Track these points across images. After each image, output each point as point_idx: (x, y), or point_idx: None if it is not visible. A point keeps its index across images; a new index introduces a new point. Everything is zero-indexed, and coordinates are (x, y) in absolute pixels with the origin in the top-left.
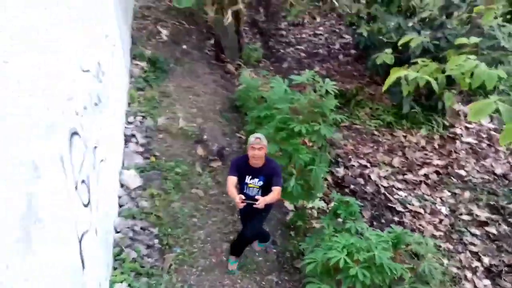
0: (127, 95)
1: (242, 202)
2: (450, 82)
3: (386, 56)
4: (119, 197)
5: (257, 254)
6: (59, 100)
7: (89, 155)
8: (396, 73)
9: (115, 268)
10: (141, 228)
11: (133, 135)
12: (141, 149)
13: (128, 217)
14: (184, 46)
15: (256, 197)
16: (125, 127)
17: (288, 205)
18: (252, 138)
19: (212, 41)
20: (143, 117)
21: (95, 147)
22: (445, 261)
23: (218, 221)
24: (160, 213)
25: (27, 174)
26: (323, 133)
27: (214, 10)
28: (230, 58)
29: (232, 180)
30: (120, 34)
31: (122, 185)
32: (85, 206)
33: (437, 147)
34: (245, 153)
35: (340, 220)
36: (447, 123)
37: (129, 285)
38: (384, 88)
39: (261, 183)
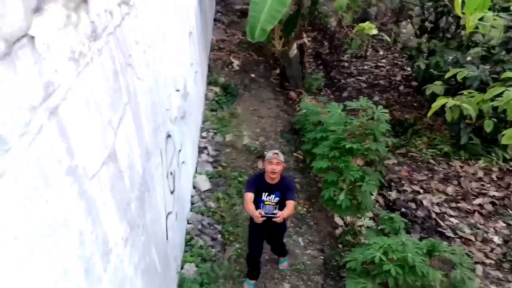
0: (202, 114)
1: (262, 216)
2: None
3: (435, 87)
4: (192, 196)
5: (305, 257)
6: (163, 110)
7: (175, 155)
8: (440, 101)
9: (185, 251)
10: (208, 224)
11: (205, 147)
12: (211, 159)
13: (198, 213)
14: (253, 75)
15: (275, 211)
16: (200, 140)
17: (339, 220)
18: (270, 154)
19: (277, 71)
20: (214, 133)
21: (180, 150)
22: (493, 287)
23: None
24: (224, 213)
25: (144, 156)
26: (374, 148)
27: (281, 44)
28: (293, 86)
29: (250, 196)
30: (201, 63)
31: (194, 187)
32: (171, 193)
33: (495, 179)
34: (262, 171)
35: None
36: (507, 156)
37: (196, 265)
38: (429, 114)
39: (277, 199)
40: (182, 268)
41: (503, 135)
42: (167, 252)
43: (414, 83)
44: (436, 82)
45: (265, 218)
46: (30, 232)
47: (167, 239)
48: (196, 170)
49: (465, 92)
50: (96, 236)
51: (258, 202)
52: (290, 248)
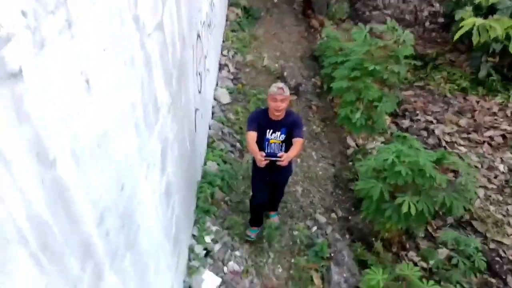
0: (223, 33)
1: (265, 159)
2: None
3: (465, 13)
4: (213, 107)
5: (317, 168)
6: (196, 9)
7: (202, 58)
8: (469, 20)
9: (207, 153)
10: (228, 132)
11: (226, 65)
12: (231, 76)
13: (219, 122)
14: (275, 0)
15: (279, 154)
16: (221, 57)
17: (351, 141)
18: (274, 88)
19: None
20: (235, 52)
21: (205, 57)
22: (492, 207)
23: None
24: (243, 125)
25: (181, 42)
26: (396, 70)
27: None
28: (316, 14)
29: (252, 135)
30: None
31: (215, 99)
32: (199, 92)
33: (509, 114)
34: (266, 107)
35: None
36: None
37: (218, 164)
38: (456, 36)
39: (283, 136)
40: (205, 164)
41: None
42: (195, 141)
43: (441, 20)
44: (467, 8)
45: (268, 162)
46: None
47: (195, 130)
48: (217, 84)
49: (494, 16)
50: (151, 89)
51: (262, 141)
52: (304, 159)
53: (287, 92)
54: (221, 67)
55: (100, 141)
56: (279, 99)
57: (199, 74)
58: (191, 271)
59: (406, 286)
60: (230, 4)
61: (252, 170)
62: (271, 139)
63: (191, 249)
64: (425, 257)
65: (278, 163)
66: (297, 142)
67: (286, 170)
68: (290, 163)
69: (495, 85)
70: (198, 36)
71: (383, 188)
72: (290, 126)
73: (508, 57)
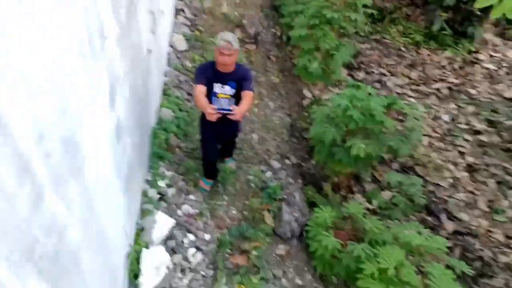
0: None
1: (216, 113)
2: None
3: None
4: (168, 54)
5: (274, 118)
6: None
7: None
8: None
9: (163, 100)
10: (184, 80)
11: (182, 10)
12: (188, 22)
13: (175, 70)
14: None
15: (231, 106)
16: (176, 2)
17: (307, 92)
18: (221, 41)
19: None
20: None
21: None
22: (434, 154)
23: None
24: None
25: None
26: (354, 17)
27: None
28: None
29: (201, 89)
30: None
31: (171, 46)
32: (153, 33)
33: (456, 68)
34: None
35: None
36: (473, 49)
37: (173, 111)
38: None
39: (233, 90)
40: (160, 111)
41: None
42: (148, 84)
43: None
44: None
45: (220, 115)
46: None
47: (148, 73)
48: (173, 30)
49: None
50: (95, 11)
51: (210, 96)
52: (261, 110)
53: (235, 45)
54: (177, 12)
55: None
56: (226, 53)
57: (152, 12)
58: (144, 213)
59: (351, 223)
60: None
61: (200, 127)
62: (219, 93)
63: (144, 193)
64: (370, 198)
65: (229, 116)
66: (247, 95)
67: (235, 126)
68: (239, 124)
69: (447, 39)
70: None
71: (335, 133)
72: (239, 80)
73: (460, 12)
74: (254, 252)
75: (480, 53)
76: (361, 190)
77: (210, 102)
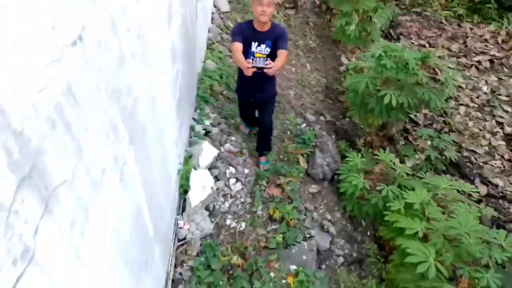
0: None
1: (253, 67)
2: None
3: None
4: (212, 13)
5: (310, 78)
6: None
7: None
8: None
9: (207, 53)
10: (226, 38)
11: None
12: None
13: (218, 27)
14: None
15: (266, 62)
16: None
17: (345, 60)
18: None
19: None
20: None
21: None
22: (470, 123)
23: None
24: None
25: None
26: None
27: None
28: None
29: (238, 46)
30: None
31: (215, 6)
32: None
33: (500, 41)
34: (250, 20)
35: None
36: None
37: (216, 63)
38: None
39: (268, 49)
40: (204, 61)
41: None
42: (196, 29)
43: None
44: None
45: (255, 70)
46: None
47: (196, 18)
48: None
49: None
50: None
51: (247, 54)
52: (298, 70)
53: None
54: None
55: None
56: (265, 2)
57: None
58: (192, 144)
59: (381, 168)
60: None
61: (236, 89)
62: (256, 52)
63: (192, 128)
64: (403, 158)
65: (265, 70)
66: (282, 53)
67: (270, 89)
68: (274, 82)
69: (491, 13)
70: None
71: (368, 82)
72: (275, 39)
73: None
74: (288, 187)
75: None
76: (394, 150)
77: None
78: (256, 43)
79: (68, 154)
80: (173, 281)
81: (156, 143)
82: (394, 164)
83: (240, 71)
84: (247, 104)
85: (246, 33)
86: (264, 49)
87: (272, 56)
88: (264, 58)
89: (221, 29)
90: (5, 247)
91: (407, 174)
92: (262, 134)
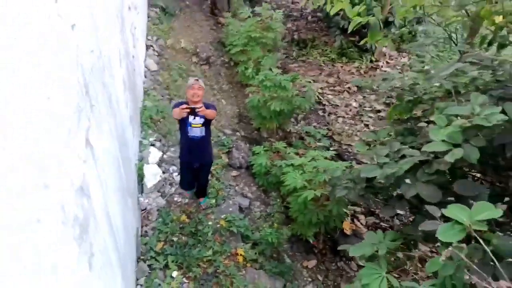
0: (146, 26)
1: (185, 108)
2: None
3: None
4: (144, 71)
5: (226, 109)
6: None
7: (132, 24)
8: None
9: (144, 98)
10: (159, 87)
11: (151, 46)
12: (156, 54)
13: (151, 80)
14: (187, 2)
15: (198, 105)
16: (146, 41)
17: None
18: (191, 80)
19: (208, 1)
20: (157, 38)
21: (135, 28)
22: (346, 127)
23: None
24: (169, 85)
25: (133, 13)
26: (271, 36)
27: None
28: (221, 12)
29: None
30: None
31: (145, 67)
32: (134, 47)
33: (362, 72)
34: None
35: None
36: (374, 59)
37: (152, 102)
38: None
39: (202, 120)
40: (143, 101)
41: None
42: (135, 73)
43: (319, 14)
44: None
45: (189, 110)
46: None
47: (134, 70)
48: (145, 58)
49: None
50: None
51: (185, 126)
52: (219, 105)
53: (202, 83)
54: (147, 47)
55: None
56: (196, 87)
57: (132, 33)
58: (142, 150)
59: (276, 156)
60: (150, 5)
61: (179, 156)
62: (193, 123)
63: (140, 142)
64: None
65: (197, 110)
66: (212, 109)
67: (207, 156)
68: (210, 150)
69: (354, 54)
70: (129, 7)
71: (260, 98)
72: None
73: (360, 33)
74: (215, 172)
75: (379, 61)
76: (283, 137)
77: (186, 130)
78: (192, 117)
79: None
80: (141, 235)
81: (122, 143)
82: (285, 147)
83: (181, 138)
84: (188, 170)
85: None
86: (199, 120)
87: (206, 125)
88: (200, 127)
89: (153, 82)
90: None
91: (295, 153)
92: (200, 189)
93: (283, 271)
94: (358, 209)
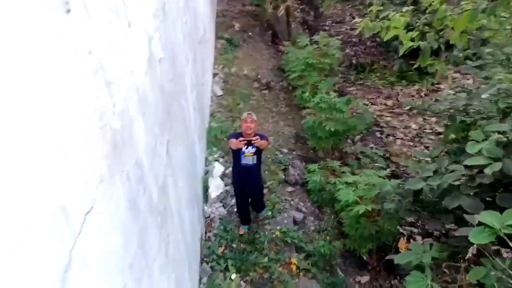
0: (213, 56)
1: (242, 141)
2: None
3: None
4: (211, 97)
5: (283, 131)
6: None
7: (202, 59)
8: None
9: (210, 120)
10: (223, 110)
11: (217, 73)
12: (221, 80)
13: (216, 104)
14: (250, 33)
15: (252, 137)
16: (213, 69)
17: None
18: (245, 114)
19: (270, 32)
20: (223, 66)
21: (204, 59)
22: (404, 149)
23: (263, 112)
24: (232, 108)
25: (203, 46)
26: (327, 61)
27: (271, 7)
28: (281, 41)
29: (233, 139)
30: (210, 24)
31: (212, 93)
32: (203, 75)
33: (423, 95)
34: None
35: None
36: (434, 81)
37: (217, 123)
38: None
39: (255, 149)
40: (209, 123)
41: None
42: (203, 101)
43: (378, 39)
44: None
45: (245, 142)
46: None
47: (203, 95)
48: (212, 85)
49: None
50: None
51: (239, 154)
52: (274, 128)
53: (254, 116)
54: (214, 75)
55: None
56: (249, 121)
57: (202, 63)
58: (208, 164)
59: (331, 174)
60: (217, 37)
61: (232, 182)
62: (246, 152)
63: (206, 158)
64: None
65: (253, 142)
66: (266, 140)
67: (257, 181)
68: (260, 177)
69: (414, 77)
70: (200, 41)
71: (316, 120)
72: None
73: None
74: (272, 186)
75: (441, 84)
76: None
77: (239, 159)
78: (245, 146)
79: None
80: (205, 240)
81: (192, 157)
82: (340, 166)
83: (234, 166)
84: (241, 195)
85: (238, 138)
86: (251, 149)
87: (258, 154)
88: (252, 156)
89: (218, 105)
90: None
91: (350, 173)
92: (256, 202)
93: (335, 282)
94: (415, 230)
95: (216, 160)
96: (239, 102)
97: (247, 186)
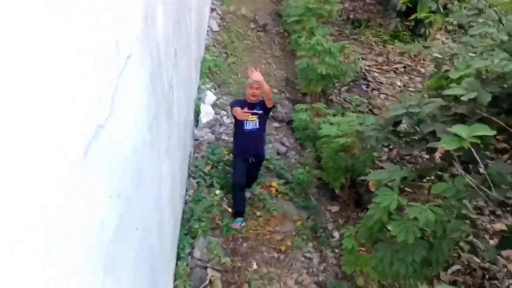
0: None
1: (247, 113)
2: None
3: None
4: (207, 31)
5: (275, 73)
6: None
7: None
8: None
9: (205, 52)
10: (218, 45)
11: (215, 9)
12: (219, 17)
13: (212, 39)
14: None
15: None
16: (211, 4)
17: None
18: (250, 80)
19: None
20: (221, 4)
21: None
22: (387, 103)
23: (257, 53)
24: (227, 45)
25: None
26: (328, 8)
27: None
28: None
29: (236, 108)
30: None
31: (208, 27)
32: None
33: (412, 56)
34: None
35: None
36: (425, 44)
37: (211, 56)
38: None
39: (260, 111)
40: (204, 56)
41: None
42: (200, 30)
43: None
44: None
45: (250, 113)
46: None
47: (200, 25)
48: (209, 20)
49: None
50: None
51: (242, 122)
52: (267, 69)
53: (260, 75)
54: (211, 10)
55: None
56: (255, 87)
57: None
58: (200, 92)
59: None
60: None
61: (234, 150)
62: (250, 117)
63: (199, 87)
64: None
65: (252, 78)
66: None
67: (260, 148)
68: (263, 144)
69: (406, 38)
70: None
71: (308, 62)
72: (263, 103)
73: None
74: None
75: (430, 46)
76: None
77: (242, 124)
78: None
79: None
80: (193, 159)
81: (189, 78)
82: (324, 108)
83: (236, 132)
84: (242, 162)
85: (242, 105)
86: (256, 110)
87: (262, 118)
88: (255, 120)
89: (213, 40)
90: None
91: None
92: (250, 182)
93: (309, 206)
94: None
95: (208, 89)
96: (234, 40)
97: (250, 152)
